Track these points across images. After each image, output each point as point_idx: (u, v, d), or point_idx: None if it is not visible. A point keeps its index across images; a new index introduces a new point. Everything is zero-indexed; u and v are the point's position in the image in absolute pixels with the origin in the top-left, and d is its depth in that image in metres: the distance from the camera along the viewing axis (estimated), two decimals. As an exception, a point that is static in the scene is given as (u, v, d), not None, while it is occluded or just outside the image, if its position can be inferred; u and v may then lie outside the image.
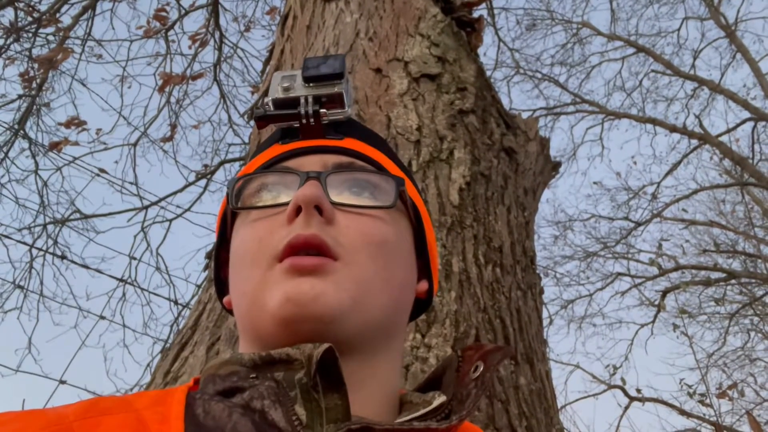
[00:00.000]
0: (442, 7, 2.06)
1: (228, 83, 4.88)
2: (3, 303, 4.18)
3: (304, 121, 0.52)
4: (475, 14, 2.27)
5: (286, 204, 0.47)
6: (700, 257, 8.48)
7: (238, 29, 5.06)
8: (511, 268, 1.19)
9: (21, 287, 4.14)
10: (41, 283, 4.26)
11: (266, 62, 2.00)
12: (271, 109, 0.54)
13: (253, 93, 4.79)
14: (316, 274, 0.43)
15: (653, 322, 7.85)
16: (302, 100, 0.53)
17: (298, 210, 0.45)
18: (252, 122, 1.86)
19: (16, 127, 4.53)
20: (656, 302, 7.93)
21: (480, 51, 2.26)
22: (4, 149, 4.51)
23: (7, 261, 4.15)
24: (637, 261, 8.67)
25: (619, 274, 8.60)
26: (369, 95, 1.54)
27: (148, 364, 3.83)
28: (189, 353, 1.08)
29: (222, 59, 4.88)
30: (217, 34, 4.84)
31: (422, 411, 0.44)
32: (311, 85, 0.54)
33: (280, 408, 0.40)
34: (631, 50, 8.87)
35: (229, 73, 4.92)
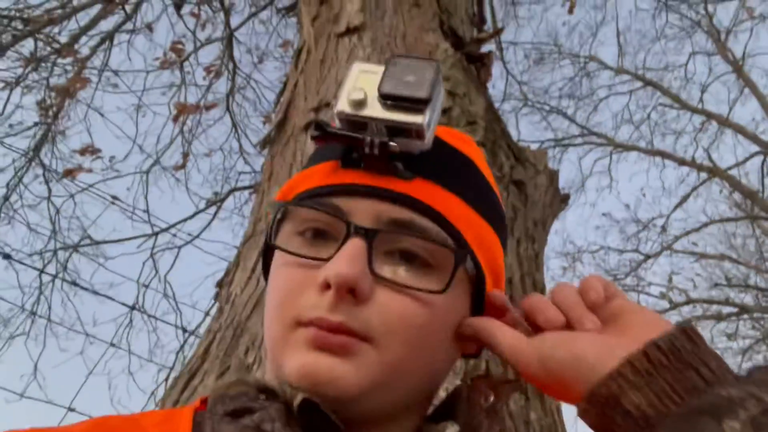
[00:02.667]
0: (452, 43, 2.11)
1: (240, 113, 4.95)
2: (14, 329, 4.20)
3: (367, 150, 0.43)
4: (485, 49, 2.31)
5: (324, 260, 0.42)
6: (711, 291, 8.39)
7: (252, 60, 5.15)
8: (520, 300, 1.19)
9: (33, 312, 4.16)
10: (49, 308, 4.27)
11: (280, 94, 2.04)
12: (336, 123, 0.45)
13: (264, 123, 4.87)
14: (339, 355, 0.40)
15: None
16: (372, 127, 0.43)
17: (328, 287, 0.41)
18: (262, 151, 1.90)
19: (31, 153, 4.59)
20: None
21: (489, 84, 2.30)
22: (19, 175, 4.57)
23: (17, 286, 4.17)
24: (648, 294, 8.58)
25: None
26: (380, 128, 1.57)
27: (152, 392, 3.81)
28: (198, 382, 1.08)
29: (235, 89, 4.97)
30: (230, 65, 4.94)
31: None
32: (388, 103, 0.44)
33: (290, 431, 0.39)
34: (638, 84, 8.95)
35: (242, 103, 4.99)
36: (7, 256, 3.97)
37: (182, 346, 3.99)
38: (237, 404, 0.43)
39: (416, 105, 0.43)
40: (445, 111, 1.63)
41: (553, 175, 1.79)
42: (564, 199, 1.82)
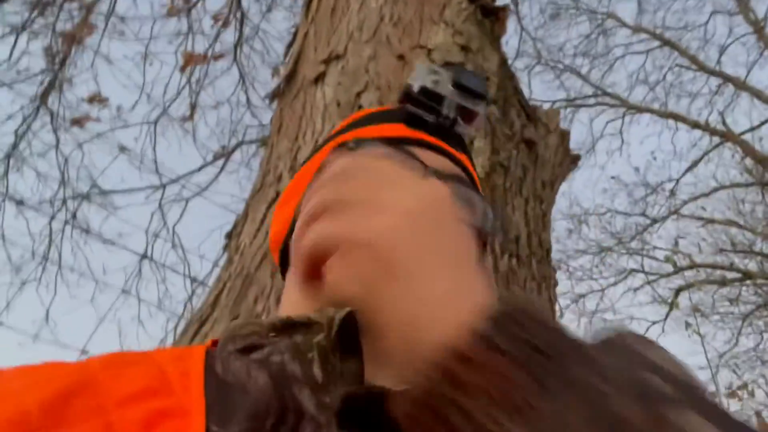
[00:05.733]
0: (467, -5, 2.05)
1: (248, 65, 4.87)
2: (26, 276, 4.26)
3: (440, 119, 0.52)
4: (499, 3, 2.25)
5: None
6: (716, 256, 8.40)
7: (260, 10, 5.03)
8: (526, 259, 1.20)
9: (45, 258, 4.21)
10: (60, 255, 4.32)
11: (289, 45, 2.01)
12: (416, 92, 0.53)
13: (273, 75, 4.80)
14: None
15: (665, 319, 7.81)
16: (447, 101, 0.53)
17: None
18: (271, 103, 1.88)
19: (38, 100, 4.57)
20: (669, 300, 7.89)
21: (502, 39, 2.25)
22: (27, 122, 4.56)
23: (27, 233, 4.21)
24: (652, 258, 8.60)
25: (633, 270, 8.55)
26: (391, 82, 1.55)
27: (161, 340, 3.90)
28: (208, 329, 1.11)
29: (243, 40, 4.88)
30: (238, 14, 4.84)
31: None
32: (458, 91, 0.54)
33: (299, 364, 0.39)
34: (656, 43, 8.73)
35: (249, 54, 4.90)
36: (20, 202, 4.01)
37: (191, 296, 4.05)
38: (247, 342, 0.43)
39: (479, 98, 0.54)
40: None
41: (565, 135, 1.77)
42: (574, 160, 1.81)
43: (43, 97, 4.58)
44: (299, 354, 0.40)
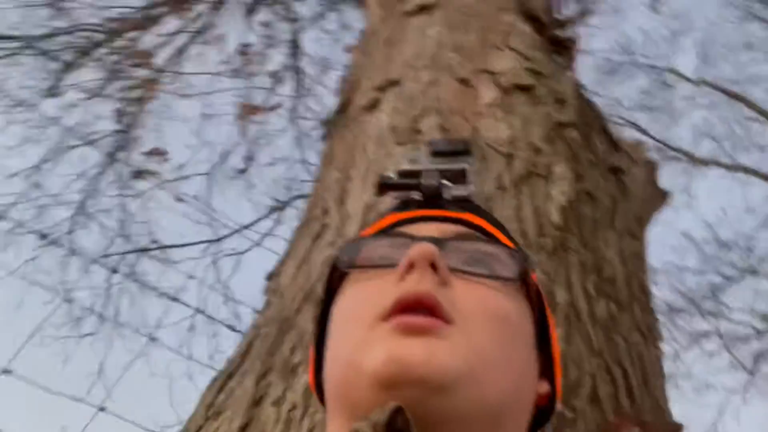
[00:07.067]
0: (532, 25, 1.90)
1: (303, 125, 4.92)
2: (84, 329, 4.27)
3: (425, 191, 0.51)
4: (568, 35, 2.09)
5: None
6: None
7: (315, 70, 5.13)
8: (627, 304, 0.97)
9: (100, 315, 4.21)
10: (116, 310, 4.32)
11: (342, 79, 1.90)
12: (395, 178, 0.53)
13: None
14: (429, 335, 0.37)
15: (747, 388, 7.08)
16: (425, 173, 0.52)
17: (410, 268, 0.40)
18: (322, 139, 1.75)
19: (107, 160, 4.76)
20: (749, 366, 7.18)
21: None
22: (94, 182, 4.73)
23: (88, 287, 4.24)
24: (729, 320, 7.93)
25: (707, 333, 7.88)
26: (453, 106, 1.38)
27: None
28: (236, 384, 0.92)
29: (298, 100, 4.95)
30: (295, 76, 4.94)
31: None
32: (437, 159, 0.55)
33: None
34: (720, 96, 8.37)
35: (305, 114, 4.97)
36: (78, 254, 4.06)
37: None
38: None
39: (459, 156, 0.55)
40: (529, 89, 1.43)
41: (653, 168, 1.55)
42: (664, 196, 1.57)
43: (111, 156, 4.73)
44: None
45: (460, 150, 0.55)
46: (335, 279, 0.47)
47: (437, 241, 0.43)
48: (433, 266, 0.40)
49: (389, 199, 0.55)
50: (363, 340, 0.39)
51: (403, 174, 0.53)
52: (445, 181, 0.51)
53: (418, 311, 0.38)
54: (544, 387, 0.47)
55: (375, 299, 0.41)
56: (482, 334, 0.39)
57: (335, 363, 0.42)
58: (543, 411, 0.47)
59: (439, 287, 0.40)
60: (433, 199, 0.50)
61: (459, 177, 0.53)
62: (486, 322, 0.40)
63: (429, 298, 0.38)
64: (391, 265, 0.42)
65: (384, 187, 0.53)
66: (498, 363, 0.40)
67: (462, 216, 0.49)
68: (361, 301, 0.43)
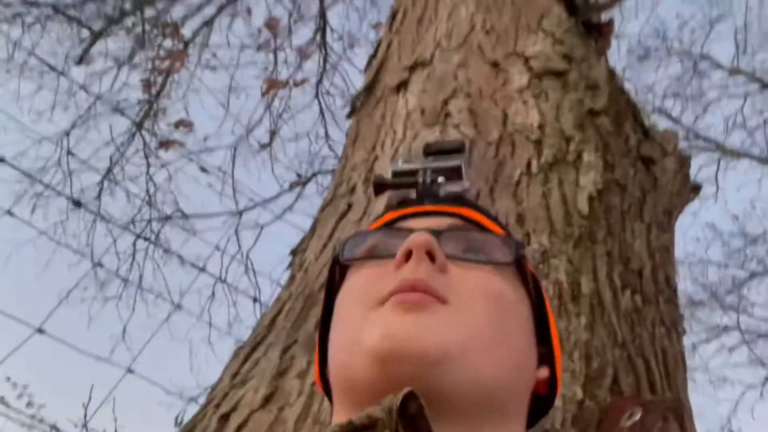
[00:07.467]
0: (567, 8, 1.86)
1: (327, 100, 4.89)
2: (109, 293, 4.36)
3: (420, 189, 0.52)
4: (603, 18, 2.05)
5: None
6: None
7: (343, 47, 5.09)
8: (653, 297, 0.96)
9: (125, 280, 4.31)
10: (140, 276, 4.41)
11: (371, 58, 1.89)
12: (390, 178, 0.55)
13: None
14: (423, 311, 0.39)
15: (764, 384, 6.99)
16: (421, 171, 0.54)
17: (408, 256, 0.42)
18: (349, 117, 1.74)
19: (134, 129, 4.82)
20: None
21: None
22: (121, 150, 4.80)
23: (113, 252, 4.32)
24: (750, 315, 7.81)
25: (728, 327, 7.77)
26: (483, 89, 1.37)
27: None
28: (261, 355, 0.94)
29: (324, 75, 4.92)
30: (322, 49, 4.91)
31: None
32: (431, 158, 0.56)
33: None
34: (755, 86, 8.12)
35: (329, 89, 4.94)
36: (107, 220, 4.15)
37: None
38: None
39: (453, 153, 0.56)
40: (561, 74, 1.41)
41: (684, 161, 1.52)
42: (695, 189, 1.54)
43: (139, 125, 4.79)
44: None
45: (454, 148, 0.56)
46: (337, 274, 0.49)
47: (434, 232, 0.44)
48: (430, 254, 0.42)
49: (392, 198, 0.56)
50: (363, 320, 0.41)
51: (398, 174, 0.55)
52: (440, 178, 0.53)
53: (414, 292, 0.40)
54: (544, 372, 0.48)
55: (374, 286, 0.43)
56: (477, 313, 0.41)
57: (338, 349, 0.44)
58: (544, 400, 0.48)
59: (435, 274, 0.41)
60: (429, 195, 0.52)
61: (453, 174, 0.54)
62: (481, 301, 0.42)
63: (422, 283, 0.40)
64: (390, 256, 0.44)
65: (380, 187, 0.55)
66: (493, 342, 0.41)
67: (458, 210, 0.50)
68: (361, 289, 0.44)
